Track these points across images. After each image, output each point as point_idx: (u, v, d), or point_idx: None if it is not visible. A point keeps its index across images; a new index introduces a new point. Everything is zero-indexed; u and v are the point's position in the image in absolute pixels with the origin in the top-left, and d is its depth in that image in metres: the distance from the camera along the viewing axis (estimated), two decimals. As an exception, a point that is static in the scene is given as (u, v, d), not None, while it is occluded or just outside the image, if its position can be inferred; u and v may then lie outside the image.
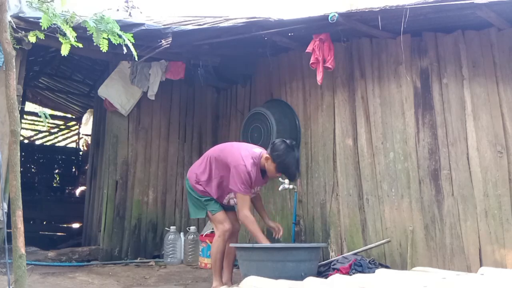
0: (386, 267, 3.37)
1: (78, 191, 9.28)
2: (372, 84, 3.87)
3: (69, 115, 10.11)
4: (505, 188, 3.05)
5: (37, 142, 10.11)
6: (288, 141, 3.34)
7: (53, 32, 3.10)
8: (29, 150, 9.29)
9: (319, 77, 3.73)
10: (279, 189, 4.15)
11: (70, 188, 9.55)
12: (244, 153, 3.32)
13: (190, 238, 4.80)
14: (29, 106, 9.13)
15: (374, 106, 3.84)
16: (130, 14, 7.05)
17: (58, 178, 9.67)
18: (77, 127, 10.19)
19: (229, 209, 3.53)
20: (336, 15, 3.37)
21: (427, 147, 3.46)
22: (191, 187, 3.49)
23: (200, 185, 3.42)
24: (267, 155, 3.32)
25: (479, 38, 3.29)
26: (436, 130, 3.43)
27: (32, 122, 9.91)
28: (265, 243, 3.20)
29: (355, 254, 3.54)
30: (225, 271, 3.48)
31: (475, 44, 3.30)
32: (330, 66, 3.73)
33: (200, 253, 4.63)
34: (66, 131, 10.38)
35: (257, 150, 3.42)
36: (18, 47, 3.83)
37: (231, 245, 3.42)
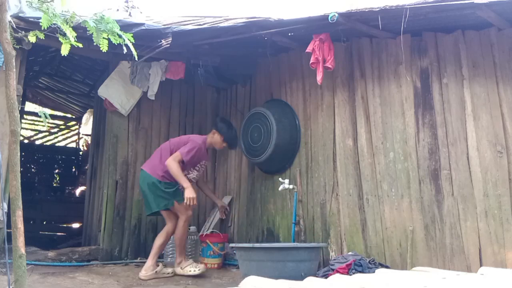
0: (386, 267, 3.36)
1: (78, 191, 9.28)
2: (372, 84, 3.87)
3: (69, 115, 10.10)
4: (505, 188, 3.05)
5: (37, 142, 10.11)
6: (226, 119, 4.49)
7: (53, 32, 3.10)
8: (29, 150, 9.29)
9: (319, 77, 3.73)
10: (279, 189, 4.15)
11: (70, 188, 9.55)
12: (195, 136, 4.41)
13: (190, 238, 4.80)
14: (29, 106, 9.13)
15: (374, 106, 3.84)
16: (130, 14, 7.06)
17: (58, 178, 9.67)
18: (77, 127, 10.19)
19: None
20: (336, 15, 3.37)
21: (427, 147, 3.46)
22: (157, 181, 4.09)
23: (166, 175, 4.08)
24: (213, 130, 4.33)
25: (479, 38, 3.29)
26: (436, 130, 3.43)
27: (32, 122, 9.90)
28: (185, 181, 3.99)
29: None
30: (157, 255, 4.20)
31: (475, 44, 3.30)
32: (330, 66, 3.73)
33: (200, 253, 4.63)
34: (66, 131, 10.38)
35: (204, 136, 4.40)
36: (18, 47, 3.82)
37: (231, 245, 4.10)
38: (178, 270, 4.10)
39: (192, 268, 4.02)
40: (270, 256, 3.06)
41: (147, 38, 4.10)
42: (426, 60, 3.54)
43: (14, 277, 2.30)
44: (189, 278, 4.11)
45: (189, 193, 3.99)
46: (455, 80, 3.37)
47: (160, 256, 4.99)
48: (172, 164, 4.02)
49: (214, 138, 4.31)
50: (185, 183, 4.02)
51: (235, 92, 5.51)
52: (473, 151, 3.22)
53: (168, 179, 4.10)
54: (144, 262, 4.84)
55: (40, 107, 9.17)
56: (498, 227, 3.06)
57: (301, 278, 2.62)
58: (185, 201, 4.00)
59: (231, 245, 4.01)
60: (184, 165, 4.13)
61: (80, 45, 2.94)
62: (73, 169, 9.78)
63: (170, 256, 4.84)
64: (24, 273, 2.31)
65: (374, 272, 2.52)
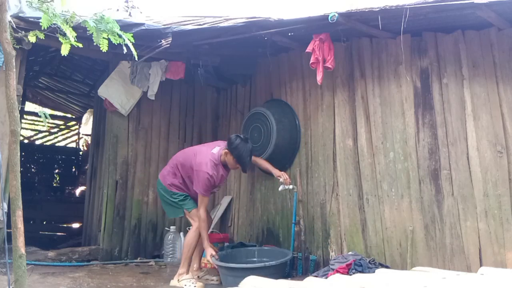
0: (386, 267, 3.37)
1: (78, 191, 9.29)
2: (372, 84, 3.87)
3: (69, 115, 10.11)
4: (505, 188, 3.05)
5: (37, 142, 10.11)
6: (241, 136, 3.87)
7: (53, 32, 3.10)
8: (29, 150, 9.30)
9: (319, 77, 3.73)
10: (279, 189, 4.15)
11: (70, 188, 9.56)
12: (204, 160, 3.78)
13: (190, 238, 4.80)
14: (29, 106, 9.13)
15: (374, 106, 3.84)
16: (130, 14, 7.06)
17: (58, 178, 9.68)
18: (77, 127, 10.20)
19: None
20: (336, 15, 3.37)
21: (427, 147, 3.46)
22: (165, 188, 3.95)
23: (175, 185, 3.91)
24: (226, 150, 3.81)
25: (479, 38, 3.29)
26: (436, 130, 3.43)
27: (32, 122, 9.91)
28: (207, 245, 3.78)
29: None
30: (196, 259, 4.01)
31: (475, 44, 3.30)
32: (330, 66, 3.73)
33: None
34: (66, 131, 10.39)
35: (216, 150, 3.87)
36: (18, 47, 3.83)
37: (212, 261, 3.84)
38: (174, 282, 3.82)
39: (188, 283, 3.70)
40: (243, 273, 3.26)
41: (147, 38, 4.10)
42: (426, 60, 3.54)
43: (14, 277, 2.30)
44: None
45: (209, 252, 3.80)
46: (455, 80, 3.37)
47: (160, 256, 5.01)
48: (201, 217, 3.78)
49: (227, 158, 3.82)
50: (205, 241, 3.81)
51: (235, 92, 5.51)
52: (473, 151, 3.21)
53: (175, 189, 3.92)
54: (144, 262, 4.86)
55: (40, 107, 9.17)
56: (498, 227, 3.06)
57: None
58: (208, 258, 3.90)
59: (213, 261, 3.84)
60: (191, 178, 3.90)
61: (80, 45, 2.94)
62: (73, 169, 9.79)
63: (170, 256, 4.85)
64: (24, 273, 2.32)
65: (374, 272, 2.52)
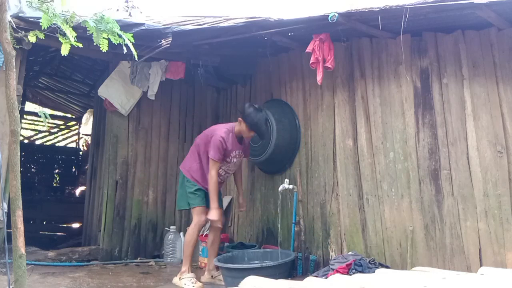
0: (386, 267, 3.36)
1: (78, 191, 9.29)
2: (372, 84, 3.87)
3: (69, 115, 10.11)
4: (505, 188, 3.05)
5: (37, 142, 10.12)
6: (255, 105, 3.97)
7: (53, 32, 3.10)
8: (29, 150, 9.30)
9: (319, 77, 3.73)
10: (279, 189, 4.15)
11: (70, 188, 9.56)
12: (219, 127, 4.03)
13: (190, 238, 4.80)
14: (29, 106, 9.14)
15: (374, 106, 3.84)
16: (130, 14, 7.06)
17: (58, 178, 9.68)
18: (77, 127, 10.20)
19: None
20: (336, 15, 3.36)
21: (427, 147, 3.46)
22: (184, 175, 4.00)
23: (192, 173, 3.95)
24: (240, 119, 3.90)
25: (479, 38, 3.29)
26: (436, 130, 3.43)
27: (32, 122, 9.91)
28: (214, 202, 3.77)
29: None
30: (210, 260, 4.06)
31: (475, 44, 3.30)
32: (330, 66, 3.73)
33: (200, 253, 4.62)
34: (66, 131, 10.39)
35: (233, 123, 4.06)
36: (18, 47, 3.83)
37: (214, 262, 3.89)
38: (176, 280, 3.85)
39: (188, 282, 3.71)
40: (242, 273, 3.26)
41: (147, 38, 4.10)
42: (426, 60, 3.54)
43: (14, 277, 2.30)
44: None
45: (212, 215, 3.80)
46: (455, 80, 3.36)
47: (160, 256, 5.01)
48: (212, 178, 3.81)
49: (241, 126, 3.91)
50: (213, 203, 3.80)
51: (235, 92, 5.51)
52: (473, 151, 3.21)
53: (190, 177, 3.96)
54: (144, 262, 4.87)
55: (40, 107, 9.18)
56: (498, 227, 3.05)
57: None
58: (209, 221, 3.94)
59: (214, 262, 3.90)
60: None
61: (80, 45, 2.94)
62: (73, 169, 9.80)
63: (170, 256, 4.85)
64: (24, 273, 2.31)
65: (374, 272, 2.52)
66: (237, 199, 4.42)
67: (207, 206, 3.89)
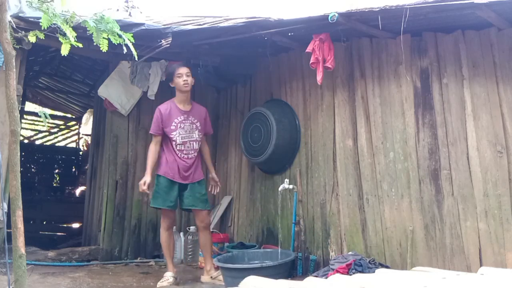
0: (386, 267, 3.37)
1: (78, 191, 9.29)
2: (372, 84, 3.87)
3: (69, 115, 10.12)
4: (505, 188, 3.05)
5: (37, 142, 10.12)
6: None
7: (53, 32, 3.10)
8: (29, 150, 9.30)
9: (319, 77, 3.73)
10: (279, 189, 4.15)
11: (70, 188, 9.56)
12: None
13: (190, 238, 4.80)
14: (29, 106, 9.14)
15: (374, 106, 3.84)
16: (130, 14, 7.05)
17: (58, 178, 9.68)
18: (77, 127, 10.20)
19: (195, 206, 3.94)
20: (336, 15, 3.36)
21: (427, 147, 3.46)
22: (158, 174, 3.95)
23: (159, 164, 3.93)
24: (170, 84, 4.03)
25: (479, 38, 3.29)
26: (436, 130, 3.43)
27: (32, 122, 9.92)
28: (148, 173, 3.84)
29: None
30: (207, 260, 4.02)
31: (475, 44, 3.30)
32: (330, 66, 3.73)
33: (200, 253, 4.62)
34: (66, 131, 10.39)
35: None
36: (18, 47, 3.82)
37: (214, 262, 3.90)
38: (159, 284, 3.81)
39: (163, 279, 3.77)
40: (242, 273, 3.26)
41: (147, 38, 4.10)
42: (426, 60, 3.54)
43: (14, 277, 2.30)
44: (188, 277, 4.12)
45: (143, 179, 3.83)
46: (455, 80, 3.36)
47: (160, 256, 5.00)
48: (150, 150, 3.91)
49: (174, 84, 3.97)
50: (148, 169, 3.88)
51: (235, 92, 5.51)
52: (473, 151, 3.21)
53: (158, 169, 3.92)
54: (144, 262, 4.86)
55: (40, 107, 9.18)
56: (498, 227, 3.06)
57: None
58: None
59: (214, 262, 3.91)
60: (165, 137, 3.92)
61: (80, 45, 2.94)
62: (73, 169, 9.80)
63: (170, 256, 4.84)
64: (24, 273, 2.31)
65: (374, 272, 2.52)
66: (210, 178, 4.24)
67: (173, 208, 3.92)
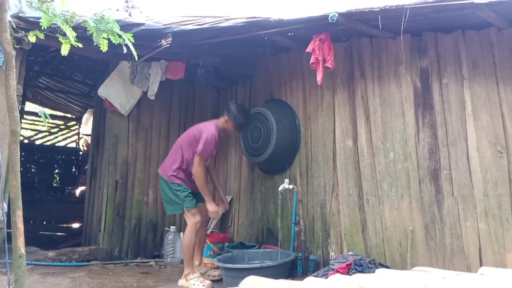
0: (386, 267, 3.36)
1: (78, 191, 9.29)
2: (372, 84, 3.87)
3: (69, 115, 10.12)
4: (505, 188, 3.05)
5: (37, 142, 10.12)
6: (239, 101, 4.39)
7: (53, 32, 3.10)
8: (29, 150, 9.30)
9: (319, 77, 3.73)
10: (279, 189, 4.15)
11: (70, 188, 9.56)
12: (206, 125, 4.15)
13: (190, 238, 4.80)
14: (29, 106, 9.14)
15: (374, 106, 3.84)
16: (130, 14, 7.05)
17: (58, 178, 9.68)
18: (77, 127, 10.20)
19: (201, 200, 4.01)
20: (336, 15, 3.36)
21: (427, 147, 3.46)
22: (166, 181, 4.01)
23: (175, 174, 3.98)
24: (226, 117, 4.17)
25: (479, 38, 3.29)
26: (436, 130, 3.42)
27: (32, 122, 9.92)
28: (207, 195, 3.95)
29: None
30: (197, 255, 4.10)
31: (475, 44, 3.30)
32: (330, 66, 3.72)
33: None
34: (66, 131, 10.39)
35: (215, 121, 4.23)
36: (18, 47, 3.83)
37: (214, 262, 3.96)
38: (182, 282, 3.85)
39: (196, 283, 3.75)
40: (242, 273, 3.28)
41: (147, 38, 4.10)
42: (426, 60, 3.54)
43: (14, 277, 2.30)
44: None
45: (212, 208, 3.96)
46: (455, 80, 3.36)
47: (160, 256, 5.01)
48: (199, 174, 3.92)
49: (227, 124, 4.18)
50: (207, 196, 3.95)
51: (235, 92, 5.51)
52: (473, 151, 3.21)
53: (178, 180, 3.99)
54: (144, 262, 4.87)
55: (40, 107, 9.18)
56: (498, 227, 3.05)
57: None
58: (210, 215, 4.04)
59: (214, 262, 3.96)
60: (190, 154, 4.04)
61: (80, 45, 2.94)
62: (73, 169, 9.80)
63: (170, 256, 4.85)
64: (24, 273, 2.32)
65: (374, 272, 2.52)
66: (218, 198, 4.42)
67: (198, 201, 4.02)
